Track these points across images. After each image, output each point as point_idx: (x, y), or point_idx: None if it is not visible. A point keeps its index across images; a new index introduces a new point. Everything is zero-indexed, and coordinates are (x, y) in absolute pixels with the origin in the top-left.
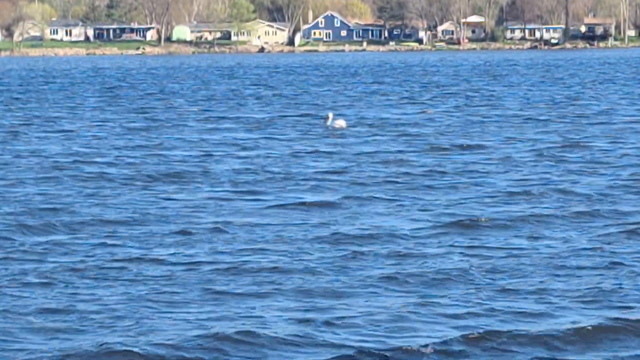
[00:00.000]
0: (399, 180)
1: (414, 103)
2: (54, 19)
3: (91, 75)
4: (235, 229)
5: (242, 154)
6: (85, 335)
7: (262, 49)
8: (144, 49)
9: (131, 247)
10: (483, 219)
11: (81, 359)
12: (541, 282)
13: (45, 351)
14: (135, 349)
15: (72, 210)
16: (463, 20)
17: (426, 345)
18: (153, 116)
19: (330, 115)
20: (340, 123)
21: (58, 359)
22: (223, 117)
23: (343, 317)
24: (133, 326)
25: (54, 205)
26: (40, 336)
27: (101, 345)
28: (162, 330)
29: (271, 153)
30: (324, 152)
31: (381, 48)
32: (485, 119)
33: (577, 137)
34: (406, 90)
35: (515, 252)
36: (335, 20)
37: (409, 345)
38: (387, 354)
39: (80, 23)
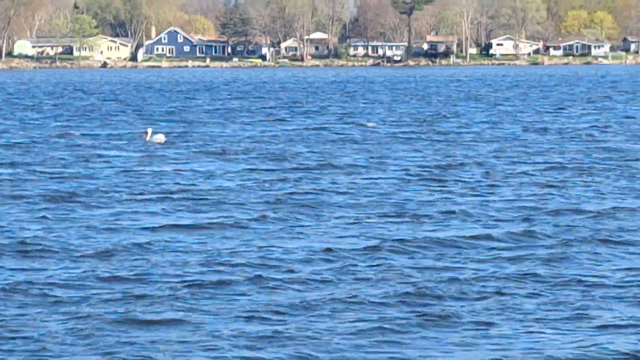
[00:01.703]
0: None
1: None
2: None
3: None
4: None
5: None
6: None
7: (104, 64)
8: None
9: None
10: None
11: None
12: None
13: None
14: None
15: None
16: (306, 37)
17: None
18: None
19: (149, 130)
20: (159, 138)
21: None
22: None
23: None
24: None
25: None
26: None
27: None
28: None
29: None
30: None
31: (225, 64)
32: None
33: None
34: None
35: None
36: (178, 35)
37: None
38: None
39: None
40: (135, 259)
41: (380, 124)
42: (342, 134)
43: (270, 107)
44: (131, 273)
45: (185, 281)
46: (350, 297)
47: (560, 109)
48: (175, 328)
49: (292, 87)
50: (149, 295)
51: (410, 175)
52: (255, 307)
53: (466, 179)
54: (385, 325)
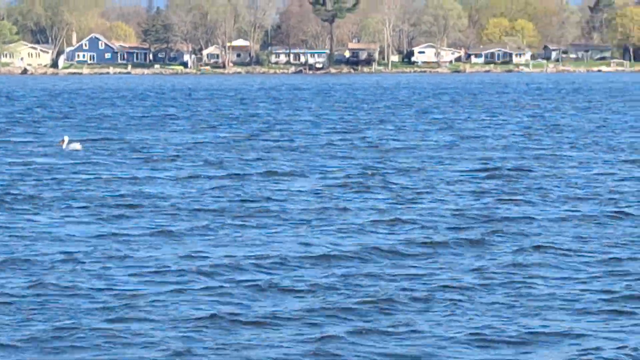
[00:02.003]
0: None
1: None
2: None
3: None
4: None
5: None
6: None
7: (25, 71)
8: None
9: None
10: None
11: None
12: None
13: None
14: None
15: None
16: (228, 44)
17: None
18: None
19: (66, 138)
20: (76, 146)
21: None
22: None
23: None
24: None
25: None
26: None
27: None
28: None
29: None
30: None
31: (146, 71)
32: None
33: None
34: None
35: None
36: (100, 42)
37: None
38: None
39: None
40: (61, 268)
41: (313, 131)
42: (274, 141)
43: (199, 115)
44: (56, 282)
45: (111, 289)
46: (289, 308)
47: (491, 116)
48: (102, 337)
49: (219, 95)
50: (74, 305)
51: (346, 182)
52: (181, 317)
53: (403, 186)
54: (325, 336)
